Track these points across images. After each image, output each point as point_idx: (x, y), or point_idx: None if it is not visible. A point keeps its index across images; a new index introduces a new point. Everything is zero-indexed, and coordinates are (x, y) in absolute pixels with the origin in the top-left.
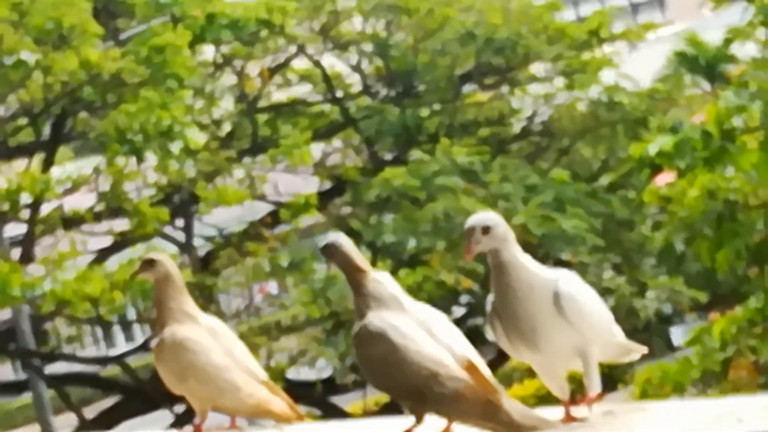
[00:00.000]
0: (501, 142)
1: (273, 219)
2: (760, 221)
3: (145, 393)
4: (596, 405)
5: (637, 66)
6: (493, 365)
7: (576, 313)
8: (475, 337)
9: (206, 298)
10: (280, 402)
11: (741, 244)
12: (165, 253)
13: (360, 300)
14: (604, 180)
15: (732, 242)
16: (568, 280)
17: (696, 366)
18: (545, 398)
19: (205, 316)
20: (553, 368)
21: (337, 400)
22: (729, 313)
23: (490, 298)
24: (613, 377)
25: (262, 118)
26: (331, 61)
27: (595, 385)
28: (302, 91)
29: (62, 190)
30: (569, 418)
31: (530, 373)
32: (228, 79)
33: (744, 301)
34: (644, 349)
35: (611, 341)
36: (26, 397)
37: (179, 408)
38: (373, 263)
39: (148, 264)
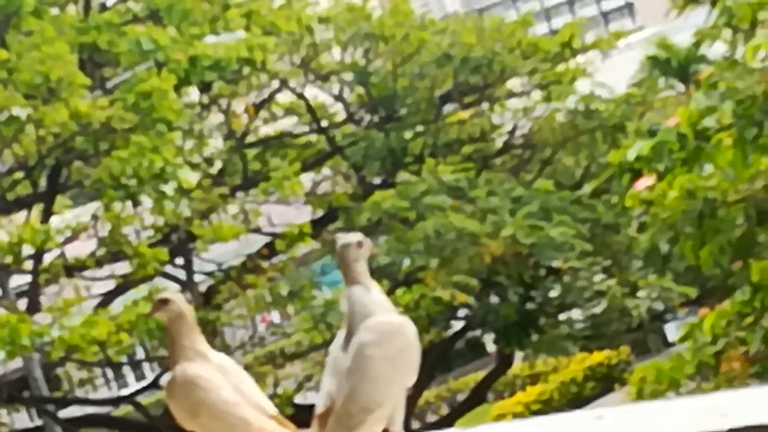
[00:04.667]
0: (485, 157)
1: (269, 250)
2: (740, 216)
3: (158, 430)
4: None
5: (611, 73)
6: (495, 374)
7: None
8: (475, 349)
9: (210, 333)
10: None
11: (723, 239)
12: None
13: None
14: (588, 187)
15: (714, 239)
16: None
17: (689, 361)
18: (548, 402)
19: (215, 354)
20: None
21: None
22: (718, 307)
23: None
24: (611, 378)
25: (251, 153)
26: (314, 93)
27: None
28: (288, 123)
29: (63, 238)
30: None
31: (532, 381)
32: (215, 117)
33: (731, 295)
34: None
35: None
36: None
37: None
38: None
39: (162, 303)
